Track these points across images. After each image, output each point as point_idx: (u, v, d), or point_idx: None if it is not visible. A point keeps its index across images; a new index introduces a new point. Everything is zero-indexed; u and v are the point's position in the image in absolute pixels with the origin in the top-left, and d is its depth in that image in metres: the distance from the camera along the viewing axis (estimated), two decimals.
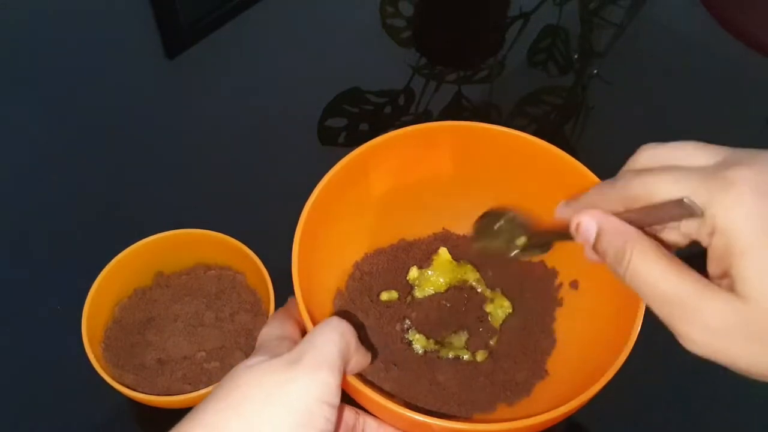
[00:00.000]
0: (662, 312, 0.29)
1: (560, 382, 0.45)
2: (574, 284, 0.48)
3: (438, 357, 0.47)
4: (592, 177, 0.44)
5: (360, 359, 0.36)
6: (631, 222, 0.31)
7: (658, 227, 0.32)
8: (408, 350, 0.47)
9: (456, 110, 0.72)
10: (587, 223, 0.33)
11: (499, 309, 0.48)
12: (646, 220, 0.31)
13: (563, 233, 0.36)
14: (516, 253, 0.43)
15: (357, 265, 0.50)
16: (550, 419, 0.35)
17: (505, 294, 0.49)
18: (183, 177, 0.67)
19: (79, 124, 0.70)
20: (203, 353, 0.51)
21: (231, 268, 0.56)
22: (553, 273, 0.49)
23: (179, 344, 0.51)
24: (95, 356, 0.48)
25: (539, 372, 0.46)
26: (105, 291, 0.51)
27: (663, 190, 0.29)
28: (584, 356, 0.44)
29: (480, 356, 0.47)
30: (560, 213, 0.36)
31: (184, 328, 0.52)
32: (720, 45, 0.80)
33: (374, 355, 0.44)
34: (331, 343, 0.33)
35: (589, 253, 0.34)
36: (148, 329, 0.52)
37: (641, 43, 0.81)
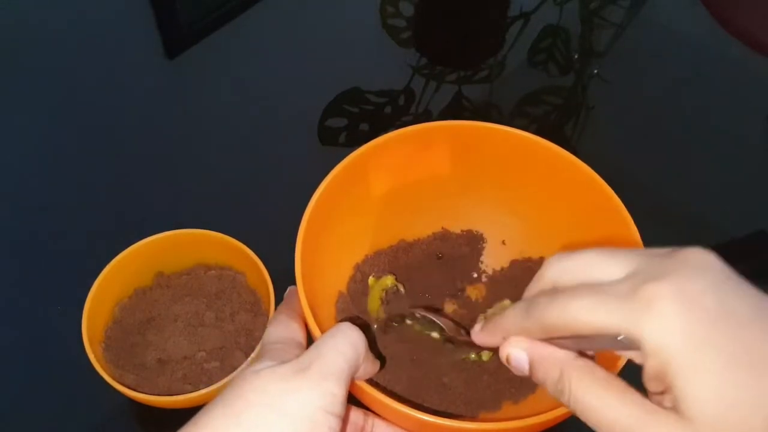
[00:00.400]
0: None
1: None
2: None
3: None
4: (593, 174, 0.44)
5: (369, 367, 0.35)
6: (561, 347, 0.30)
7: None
8: None
9: (456, 110, 0.72)
10: (517, 354, 0.32)
11: (500, 308, 0.48)
12: (578, 347, 0.30)
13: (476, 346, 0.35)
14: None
15: (358, 267, 0.50)
16: (556, 417, 0.35)
17: (506, 293, 0.49)
18: (183, 177, 0.67)
19: (79, 124, 0.70)
20: (203, 353, 0.51)
21: (231, 268, 0.56)
22: None
23: (179, 344, 0.51)
24: (95, 356, 0.48)
25: None
26: (105, 291, 0.51)
27: (582, 317, 0.28)
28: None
29: (485, 356, 0.46)
30: (477, 338, 0.35)
31: (184, 328, 0.52)
32: (720, 45, 0.80)
33: (383, 363, 0.43)
34: (340, 352, 0.33)
35: (517, 372, 0.33)
36: (148, 329, 0.52)
37: (641, 43, 0.81)
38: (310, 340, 0.38)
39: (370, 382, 0.36)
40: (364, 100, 0.73)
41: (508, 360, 0.32)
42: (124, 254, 0.52)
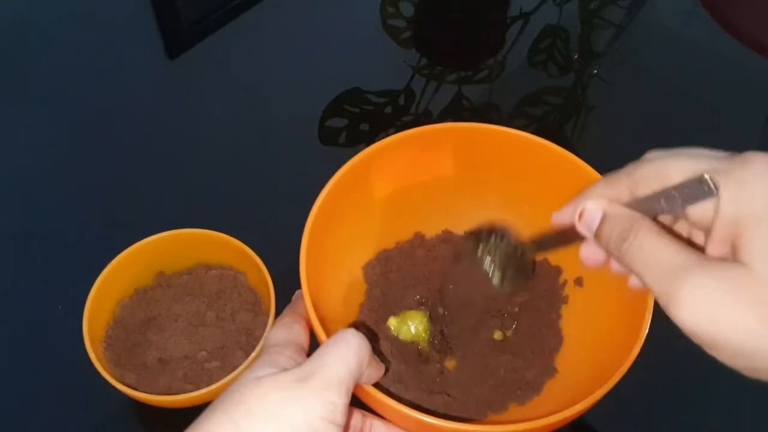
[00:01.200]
0: (660, 282, 0.28)
1: (570, 380, 0.45)
2: (578, 281, 0.48)
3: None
4: (594, 174, 0.44)
5: (373, 372, 0.35)
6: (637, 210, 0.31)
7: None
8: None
9: (456, 110, 0.72)
10: (592, 209, 0.32)
11: None
12: (655, 208, 0.31)
13: (564, 236, 0.35)
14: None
15: (362, 270, 0.50)
16: (561, 419, 0.35)
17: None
18: (184, 177, 0.67)
19: (80, 124, 0.70)
20: (204, 353, 0.51)
21: (232, 267, 0.56)
22: (557, 271, 0.49)
23: (180, 344, 0.51)
24: (96, 356, 0.48)
25: (549, 370, 0.46)
26: (106, 291, 0.51)
27: (676, 169, 0.29)
28: (592, 353, 0.44)
29: (497, 335, 0.46)
30: (558, 216, 0.35)
31: (185, 328, 0.52)
32: (720, 45, 0.80)
33: (387, 367, 0.43)
34: (343, 361, 0.32)
35: (587, 252, 0.34)
36: (149, 329, 0.53)
37: (641, 43, 0.81)
38: (314, 343, 0.38)
39: (374, 383, 0.36)
40: (365, 100, 0.73)
41: (580, 216, 0.33)
42: (125, 254, 0.52)
